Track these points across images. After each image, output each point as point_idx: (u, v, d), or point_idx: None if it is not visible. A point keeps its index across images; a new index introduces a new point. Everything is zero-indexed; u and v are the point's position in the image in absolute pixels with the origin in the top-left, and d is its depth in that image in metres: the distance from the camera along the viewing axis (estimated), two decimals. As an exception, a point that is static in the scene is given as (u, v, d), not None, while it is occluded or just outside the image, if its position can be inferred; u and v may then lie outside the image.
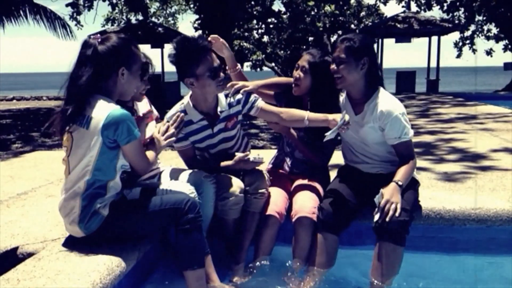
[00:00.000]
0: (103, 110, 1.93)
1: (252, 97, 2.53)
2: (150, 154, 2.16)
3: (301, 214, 2.38)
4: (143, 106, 2.51)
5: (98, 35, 2.06)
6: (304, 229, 2.38)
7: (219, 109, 2.48)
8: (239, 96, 2.51)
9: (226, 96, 2.51)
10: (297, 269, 2.37)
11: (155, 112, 2.62)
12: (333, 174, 2.77)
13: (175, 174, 2.52)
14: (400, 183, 2.27)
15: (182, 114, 2.37)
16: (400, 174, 2.31)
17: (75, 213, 1.99)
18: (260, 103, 2.52)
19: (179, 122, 2.32)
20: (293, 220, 2.40)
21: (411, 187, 2.40)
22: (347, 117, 2.25)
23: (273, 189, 2.55)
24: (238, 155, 2.44)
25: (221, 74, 2.37)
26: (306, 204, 2.42)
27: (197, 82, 2.34)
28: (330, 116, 2.34)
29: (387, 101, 2.38)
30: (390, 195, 2.22)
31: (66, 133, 2.00)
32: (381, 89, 2.44)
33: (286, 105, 2.63)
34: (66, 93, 1.99)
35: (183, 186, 2.32)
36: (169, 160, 2.45)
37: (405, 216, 2.20)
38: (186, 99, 2.49)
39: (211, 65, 2.31)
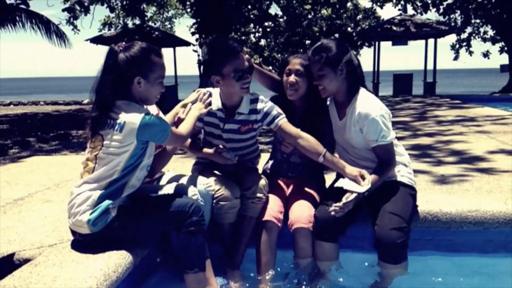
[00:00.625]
0: (136, 116, 2.01)
1: (276, 111, 2.46)
2: (183, 127, 2.26)
3: (298, 225, 2.37)
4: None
5: (123, 43, 2.12)
6: (303, 238, 2.38)
7: (238, 109, 2.47)
8: (260, 105, 2.47)
9: (253, 101, 2.48)
10: (302, 272, 2.37)
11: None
12: (329, 175, 2.78)
13: (174, 179, 2.52)
14: (365, 193, 2.27)
15: (208, 93, 2.45)
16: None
17: (88, 207, 2.01)
18: (282, 120, 2.44)
19: (206, 99, 2.41)
20: (291, 230, 2.40)
21: (407, 197, 2.38)
22: (367, 185, 2.22)
23: (269, 195, 2.53)
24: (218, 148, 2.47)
25: (248, 77, 2.36)
26: (303, 214, 2.41)
27: (222, 80, 2.35)
28: (348, 169, 2.31)
29: (365, 103, 2.35)
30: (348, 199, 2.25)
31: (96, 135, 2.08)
32: (362, 90, 2.42)
33: None
34: (94, 98, 2.09)
35: (187, 189, 2.33)
36: (168, 164, 2.45)
37: (402, 237, 2.18)
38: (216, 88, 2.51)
39: (238, 66, 2.31)
